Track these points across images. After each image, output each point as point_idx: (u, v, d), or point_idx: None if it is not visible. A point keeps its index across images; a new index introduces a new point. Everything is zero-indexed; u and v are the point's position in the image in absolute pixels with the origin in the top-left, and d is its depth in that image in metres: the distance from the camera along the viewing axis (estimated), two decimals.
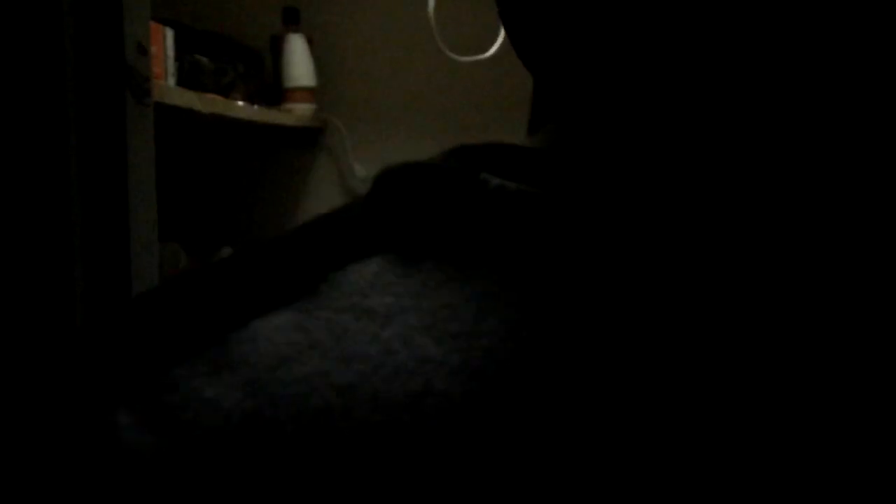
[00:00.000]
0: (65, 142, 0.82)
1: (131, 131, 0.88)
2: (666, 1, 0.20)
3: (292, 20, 1.82)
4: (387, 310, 0.20)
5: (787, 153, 0.21)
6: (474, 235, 0.21)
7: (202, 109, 1.24)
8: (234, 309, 0.21)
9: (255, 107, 1.65)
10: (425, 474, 0.18)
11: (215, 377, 0.20)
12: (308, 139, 1.93)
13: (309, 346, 0.20)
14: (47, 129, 0.82)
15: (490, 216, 0.21)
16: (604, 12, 0.21)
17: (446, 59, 1.69)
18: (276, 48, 1.83)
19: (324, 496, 0.18)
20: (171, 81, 1.39)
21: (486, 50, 1.55)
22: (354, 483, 0.18)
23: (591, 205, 0.21)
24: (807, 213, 0.21)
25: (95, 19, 0.84)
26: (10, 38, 0.81)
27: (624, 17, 0.21)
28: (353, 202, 0.24)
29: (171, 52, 1.42)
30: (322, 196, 1.94)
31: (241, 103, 1.62)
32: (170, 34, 1.42)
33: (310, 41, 1.82)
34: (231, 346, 0.20)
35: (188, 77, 1.56)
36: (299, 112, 1.77)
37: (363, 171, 1.92)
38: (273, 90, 1.83)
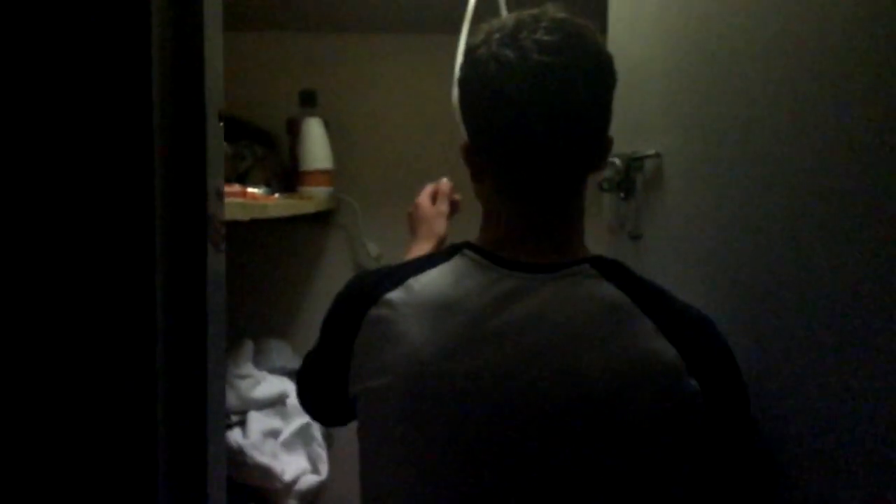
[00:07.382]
0: (151, 293, 0.82)
1: (209, 276, 0.88)
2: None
3: (309, 103, 1.82)
4: (450, 268, 0.91)
5: None
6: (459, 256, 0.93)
7: (244, 218, 1.23)
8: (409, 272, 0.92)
9: (277, 195, 1.64)
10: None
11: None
12: (321, 218, 1.93)
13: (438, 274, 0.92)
14: (135, 281, 0.82)
15: (461, 255, 0.92)
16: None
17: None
18: (293, 131, 1.83)
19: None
20: None
21: None
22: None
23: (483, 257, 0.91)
24: None
25: (182, 176, 0.85)
26: (105, 192, 0.81)
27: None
28: (439, 251, 1.00)
29: None
30: (334, 276, 1.94)
31: (261, 190, 1.61)
32: None
33: (326, 124, 1.82)
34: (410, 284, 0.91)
35: None
36: (318, 198, 1.77)
37: (376, 250, 1.93)
38: (289, 172, 1.83)
